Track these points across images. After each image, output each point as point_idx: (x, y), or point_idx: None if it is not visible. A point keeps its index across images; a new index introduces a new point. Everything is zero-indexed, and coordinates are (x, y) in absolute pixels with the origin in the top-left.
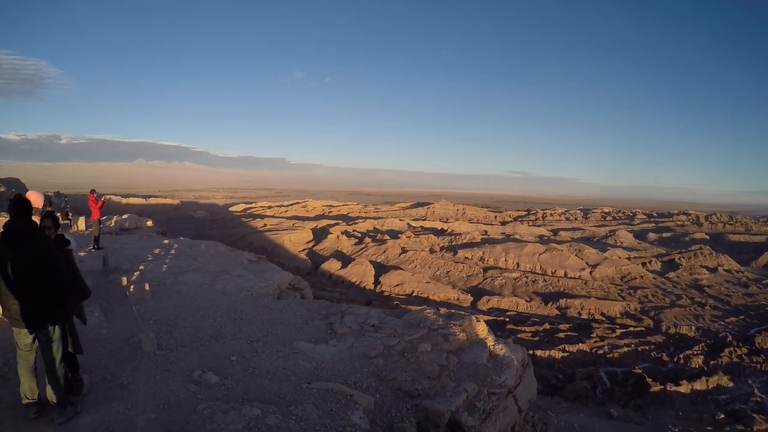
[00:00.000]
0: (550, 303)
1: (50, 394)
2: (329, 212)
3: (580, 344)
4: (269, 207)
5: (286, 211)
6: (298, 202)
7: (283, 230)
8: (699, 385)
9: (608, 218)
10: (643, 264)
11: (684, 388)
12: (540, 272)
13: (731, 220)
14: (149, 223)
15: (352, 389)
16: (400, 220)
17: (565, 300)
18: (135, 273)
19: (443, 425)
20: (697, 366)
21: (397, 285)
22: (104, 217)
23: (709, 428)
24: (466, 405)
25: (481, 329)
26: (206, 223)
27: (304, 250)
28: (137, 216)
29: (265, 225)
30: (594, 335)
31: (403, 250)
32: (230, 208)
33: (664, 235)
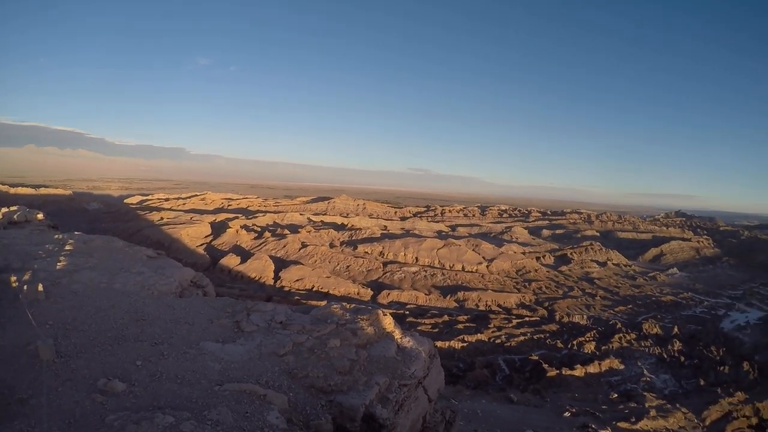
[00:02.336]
0: (449, 296)
1: None
2: (228, 205)
3: (479, 334)
4: (167, 199)
5: (184, 204)
6: (197, 195)
7: (180, 224)
8: (592, 369)
9: (505, 215)
10: (538, 258)
11: (578, 371)
12: (438, 266)
13: (620, 219)
14: (40, 215)
15: (265, 389)
16: (301, 214)
17: (463, 293)
18: (27, 272)
19: (358, 419)
20: (589, 351)
21: (297, 280)
22: None
23: (603, 407)
24: (379, 398)
25: (388, 323)
26: (100, 216)
27: (202, 244)
28: (27, 208)
29: (162, 218)
30: (491, 325)
31: (303, 245)
32: (126, 200)
33: (557, 231)
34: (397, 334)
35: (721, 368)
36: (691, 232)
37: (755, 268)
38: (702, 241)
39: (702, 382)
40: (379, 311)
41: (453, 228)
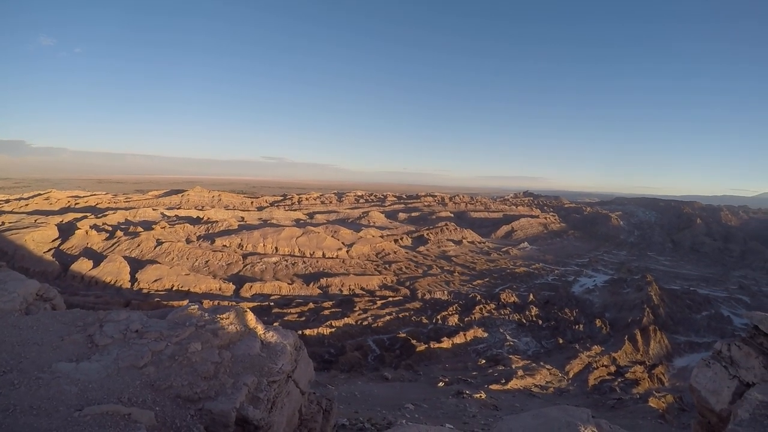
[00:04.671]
0: (312, 283)
1: None
2: (76, 204)
3: (346, 318)
4: (7, 201)
5: (27, 204)
6: (40, 194)
7: (24, 228)
8: (458, 340)
9: (361, 201)
10: (396, 240)
11: (446, 343)
12: (299, 255)
13: (472, 200)
14: None
15: (128, 407)
16: (154, 209)
17: (325, 279)
18: None
19: (232, 424)
20: (454, 324)
21: (155, 280)
22: None
23: (474, 373)
24: (249, 399)
25: (250, 319)
26: None
27: (50, 250)
28: None
29: (3, 223)
30: (357, 308)
31: (159, 242)
32: None
33: (413, 214)
34: (260, 329)
35: (577, 327)
36: (538, 210)
37: (598, 238)
38: (549, 218)
39: (561, 341)
40: (239, 308)
41: (311, 215)
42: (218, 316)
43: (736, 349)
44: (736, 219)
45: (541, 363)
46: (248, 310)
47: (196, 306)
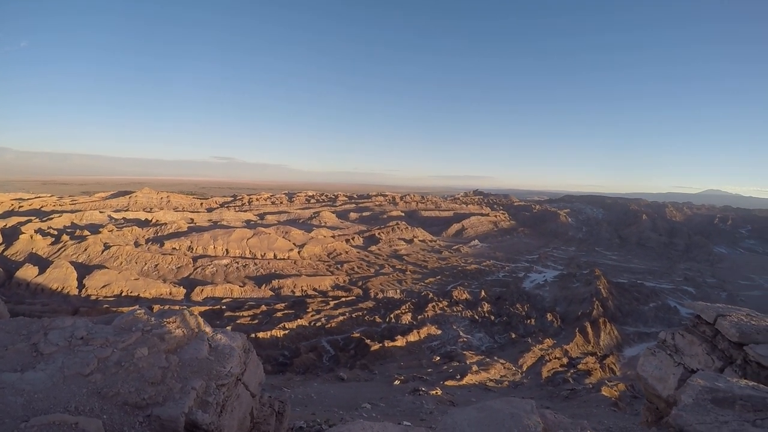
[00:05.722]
0: (264, 285)
1: None
2: (20, 207)
3: (299, 320)
4: None
5: None
6: None
7: None
8: (412, 338)
9: (312, 201)
10: (347, 240)
11: (400, 342)
12: (250, 256)
13: (423, 199)
14: None
15: (75, 416)
16: (101, 212)
17: (277, 281)
18: None
19: (181, 429)
20: (407, 322)
21: (104, 286)
22: None
23: (429, 370)
24: (198, 403)
25: (198, 322)
26: None
27: None
28: None
29: None
30: (310, 310)
31: (106, 246)
32: None
33: (365, 214)
34: (208, 332)
35: (528, 321)
36: (488, 208)
37: (547, 235)
38: (499, 215)
39: (513, 335)
40: (186, 311)
41: (261, 216)
42: (165, 320)
43: (680, 337)
44: (681, 215)
45: (495, 358)
46: (195, 313)
47: (143, 310)
